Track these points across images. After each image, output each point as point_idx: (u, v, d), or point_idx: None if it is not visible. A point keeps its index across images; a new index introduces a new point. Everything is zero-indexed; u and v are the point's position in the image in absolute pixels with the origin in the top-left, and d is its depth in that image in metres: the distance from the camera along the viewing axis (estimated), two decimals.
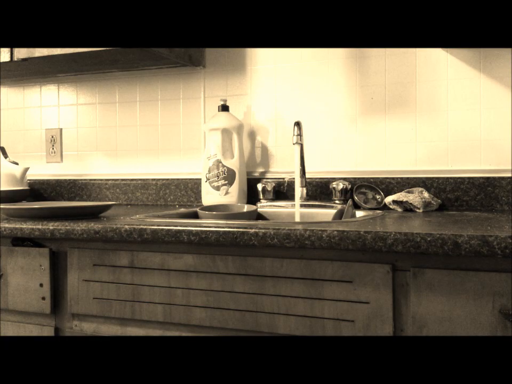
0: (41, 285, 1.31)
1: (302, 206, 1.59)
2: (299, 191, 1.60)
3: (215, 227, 1.11)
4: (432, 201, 1.49)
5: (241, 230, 1.09)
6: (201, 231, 1.12)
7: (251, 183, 1.77)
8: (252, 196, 1.76)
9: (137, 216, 1.37)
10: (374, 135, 1.67)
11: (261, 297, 1.11)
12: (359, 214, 1.48)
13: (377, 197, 1.61)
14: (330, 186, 1.65)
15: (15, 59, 1.72)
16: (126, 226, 1.18)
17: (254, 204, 1.69)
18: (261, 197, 1.72)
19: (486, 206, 1.52)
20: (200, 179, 1.80)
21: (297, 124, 1.57)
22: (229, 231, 1.09)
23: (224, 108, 1.75)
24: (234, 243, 1.09)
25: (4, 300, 1.35)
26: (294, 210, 1.60)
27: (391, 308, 1.01)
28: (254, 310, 1.12)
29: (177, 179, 1.90)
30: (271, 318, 1.10)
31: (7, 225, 1.30)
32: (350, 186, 1.64)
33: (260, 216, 1.66)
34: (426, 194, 1.51)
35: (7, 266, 1.34)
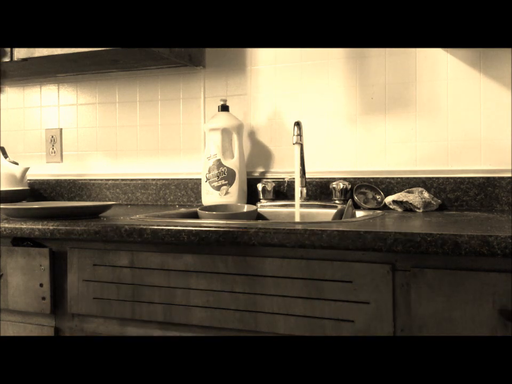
0: (41, 285, 1.31)
1: (302, 206, 1.59)
2: (299, 191, 1.60)
3: (215, 227, 1.11)
4: (432, 201, 1.49)
5: (241, 230, 1.08)
6: (201, 231, 1.12)
7: (251, 183, 1.77)
8: (252, 195, 1.76)
9: (137, 216, 1.37)
10: (374, 135, 1.67)
11: (261, 297, 1.11)
12: (359, 214, 1.48)
13: (377, 197, 1.61)
14: (330, 186, 1.65)
15: (15, 59, 1.72)
16: (126, 226, 1.18)
17: (254, 204, 1.69)
18: (261, 197, 1.72)
19: (486, 206, 1.52)
20: (200, 179, 1.80)
21: (297, 124, 1.57)
22: (229, 231, 1.09)
23: (224, 108, 1.75)
24: (234, 243, 1.09)
25: (4, 300, 1.35)
26: (294, 210, 1.60)
27: (391, 308, 1.01)
28: (254, 310, 1.11)
29: (177, 179, 1.90)
30: (271, 318, 1.10)
31: (7, 225, 1.30)
32: (350, 186, 1.64)
33: (260, 216, 1.66)
34: (426, 194, 1.51)
35: (7, 266, 1.34)
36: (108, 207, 1.41)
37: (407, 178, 1.60)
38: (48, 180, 2.10)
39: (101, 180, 2.02)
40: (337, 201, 1.62)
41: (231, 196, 1.69)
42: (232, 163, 1.70)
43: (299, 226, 1.07)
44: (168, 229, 1.14)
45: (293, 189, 1.72)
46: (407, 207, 1.50)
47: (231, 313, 1.13)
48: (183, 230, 1.13)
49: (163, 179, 1.92)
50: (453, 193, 1.55)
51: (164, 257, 1.19)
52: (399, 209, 1.51)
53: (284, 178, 1.76)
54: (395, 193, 1.59)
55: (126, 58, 1.78)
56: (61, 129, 2.11)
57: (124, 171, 2.01)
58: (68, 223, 1.24)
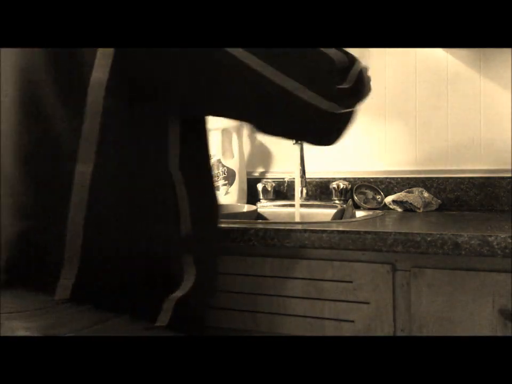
0: None
1: (302, 206, 1.59)
2: (299, 191, 1.60)
3: None
4: (432, 201, 1.49)
5: (241, 230, 1.08)
6: None
7: (251, 183, 1.77)
8: (252, 196, 1.75)
9: None
10: (374, 135, 1.67)
11: (261, 297, 1.11)
12: (359, 214, 1.48)
13: (377, 197, 1.60)
14: (330, 186, 1.65)
15: None
16: None
17: (254, 204, 1.69)
18: (261, 197, 1.72)
19: (486, 206, 1.52)
20: None
21: None
22: (229, 231, 1.09)
23: None
24: (234, 243, 1.09)
25: None
26: (294, 210, 1.60)
27: (391, 308, 1.01)
28: (253, 310, 1.11)
29: None
30: (271, 318, 1.10)
31: None
32: (350, 186, 1.63)
33: (260, 216, 1.66)
34: (426, 194, 1.51)
35: None
36: None
37: (407, 178, 1.60)
38: None
39: None
40: (337, 201, 1.62)
41: (231, 196, 1.69)
42: (232, 163, 1.70)
43: (299, 226, 1.07)
44: None
45: (293, 189, 1.72)
46: (407, 207, 1.50)
47: (230, 313, 1.13)
48: None
49: None
50: (453, 193, 1.55)
51: None
52: (399, 209, 1.51)
53: (283, 178, 1.76)
54: (395, 193, 1.59)
55: None
56: None
57: None
58: None
